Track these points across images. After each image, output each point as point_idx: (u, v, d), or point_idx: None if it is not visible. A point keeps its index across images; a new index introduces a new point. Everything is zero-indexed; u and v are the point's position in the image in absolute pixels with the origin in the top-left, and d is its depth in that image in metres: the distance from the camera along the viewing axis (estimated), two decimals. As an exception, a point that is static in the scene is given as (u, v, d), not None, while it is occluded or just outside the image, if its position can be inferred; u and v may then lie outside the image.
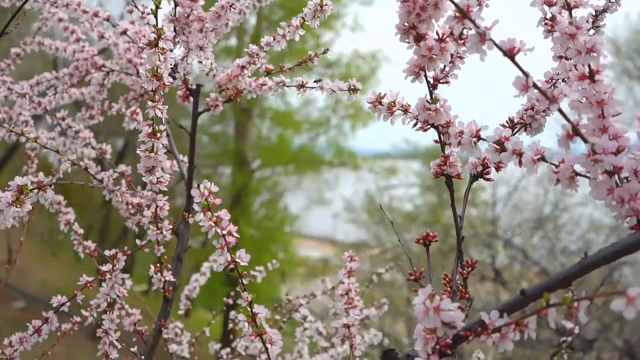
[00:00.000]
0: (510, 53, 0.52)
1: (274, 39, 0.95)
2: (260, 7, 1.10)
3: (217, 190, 0.63)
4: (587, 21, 0.74)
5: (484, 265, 7.07)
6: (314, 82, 0.97)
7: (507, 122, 0.71)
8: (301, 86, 0.98)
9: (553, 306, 0.48)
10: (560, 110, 0.53)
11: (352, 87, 0.88)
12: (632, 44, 9.42)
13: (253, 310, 0.67)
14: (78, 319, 1.16)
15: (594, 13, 0.73)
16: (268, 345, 0.67)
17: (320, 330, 1.43)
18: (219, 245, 0.65)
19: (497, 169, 0.69)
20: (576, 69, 0.57)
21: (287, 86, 1.00)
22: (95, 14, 1.12)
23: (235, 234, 0.65)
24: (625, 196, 0.52)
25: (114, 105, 1.24)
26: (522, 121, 0.70)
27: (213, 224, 0.64)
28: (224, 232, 0.64)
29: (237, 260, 0.65)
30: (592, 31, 0.73)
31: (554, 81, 0.71)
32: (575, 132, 0.53)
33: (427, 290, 0.53)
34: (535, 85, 0.52)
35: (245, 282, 0.68)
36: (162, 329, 1.01)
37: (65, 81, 1.22)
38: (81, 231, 1.13)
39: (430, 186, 10.77)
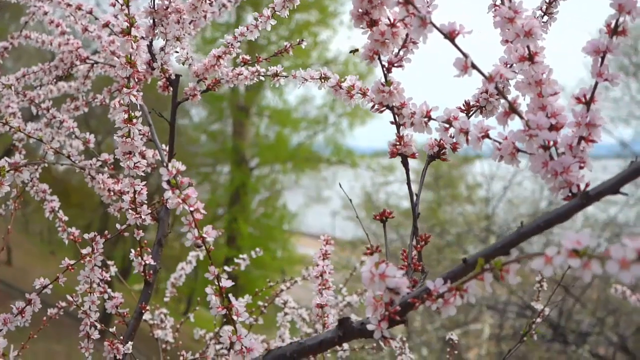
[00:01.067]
0: (450, 36, 0.56)
1: (247, 29, 0.98)
2: (256, 5, 1.13)
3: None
4: (540, 8, 0.77)
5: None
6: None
7: (463, 105, 0.74)
8: (275, 75, 1.02)
9: (488, 270, 0.52)
10: (497, 89, 0.56)
11: (323, 75, 0.91)
12: (628, 40, 9.45)
13: (220, 284, 0.71)
14: (63, 303, 1.19)
15: (547, 0, 0.77)
16: (234, 317, 0.70)
17: (304, 317, 1.47)
18: (187, 221, 0.68)
19: (454, 149, 0.73)
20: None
21: (263, 75, 1.03)
22: (79, 7, 1.15)
23: (203, 211, 0.68)
24: (558, 169, 0.55)
25: (97, 96, 1.27)
26: (477, 104, 0.74)
27: (181, 201, 0.67)
28: (192, 209, 0.67)
29: (205, 235, 0.68)
30: (545, 17, 0.77)
31: (508, 65, 0.74)
32: (512, 109, 0.57)
33: (374, 259, 0.56)
34: (473, 66, 0.56)
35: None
36: (143, 311, 1.05)
37: (50, 73, 1.25)
38: (66, 218, 1.16)
39: (428, 183, 10.83)
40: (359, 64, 10.66)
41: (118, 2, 1.04)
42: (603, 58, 0.57)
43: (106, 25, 1.09)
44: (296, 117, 11.70)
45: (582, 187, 0.55)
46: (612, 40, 0.57)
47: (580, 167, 0.56)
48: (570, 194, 0.55)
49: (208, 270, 0.68)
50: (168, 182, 0.66)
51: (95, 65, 1.28)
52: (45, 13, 1.26)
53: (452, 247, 7.59)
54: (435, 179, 10.70)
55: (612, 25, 0.57)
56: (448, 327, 5.84)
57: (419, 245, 0.69)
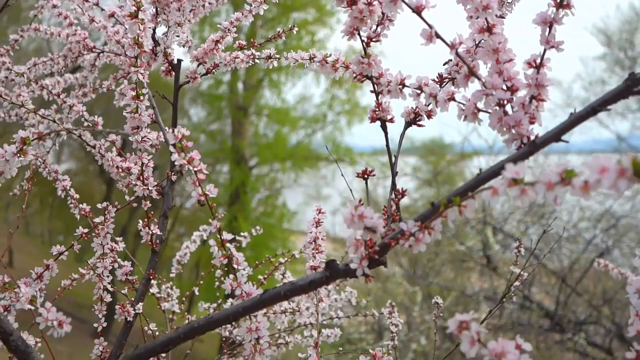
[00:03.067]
0: (418, 10, 0.65)
1: (242, 14, 1.07)
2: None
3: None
4: (505, -10, 0.86)
5: (477, 254, 7.23)
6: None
7: (437, 76, 0.83)
8: (269, 57, 1.11)
9: (450, 207, 0.61)
10: (458, 55, 0.65)
11: (312, 56, 1.00)
12: (624, 34, 9.55)
13: (222, 237, 0.80)
14: (76, 275, 1.28)
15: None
16: (235, 266, 0.79)
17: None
18: (192, 181, 0.77)
19: (429, 116, 0.82)
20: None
21: (257, 58, 1.12)
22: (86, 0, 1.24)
23: (205, 171, 0.77)
24: (511, 123, 0.64)
25: (104, 83, 1.36)
26: (449, 76, 0.83)
27: (186, 162, 0.76)
28: (196, 169, 0.76)
29: (208, 192, 0.77)
30: (509, -1, 0.85)
31: (477, 41, 0.83)
32: (471, 72, 0.66)
33: (354, 202, 0.65)
34: (437, 35, 0.64)
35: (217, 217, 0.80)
36: (151, 278, 1.13)
37: (58, 62, 1.34)
38: (77, 196, 1.25)
39: (427, 180, 10.93)
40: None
41: (123, -7, 1.12)
42: (550, 28, 0.66)
43: (112, 15, 1.18)
44: (295, 116, 11.80)
45: (532, 138, 0.64)
46: (558, 12, 0.66)
47: (531, 122, 0.65)
48: (521, 144, 0.64)
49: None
50: (174, 145, 0.75)
51: (101, 54, 1.36)
52: (55, 6, 1.35)
53: (450, 240, 7.69)
54: (434, 176, 10.80)
55: (558, 0, 0.66)
56: (446, 317, 5.93)
57: (396, 199, 0.78)
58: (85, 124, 1.26)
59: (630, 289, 0.62)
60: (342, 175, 1.18)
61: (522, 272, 1.25)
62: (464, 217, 0.60)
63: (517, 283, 1.24)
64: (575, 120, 0.60)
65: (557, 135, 0.61)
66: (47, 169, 1.30)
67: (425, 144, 11.41)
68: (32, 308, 0.77)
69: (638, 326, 0.61)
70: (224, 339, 1.47)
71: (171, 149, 0.75)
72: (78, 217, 1.23)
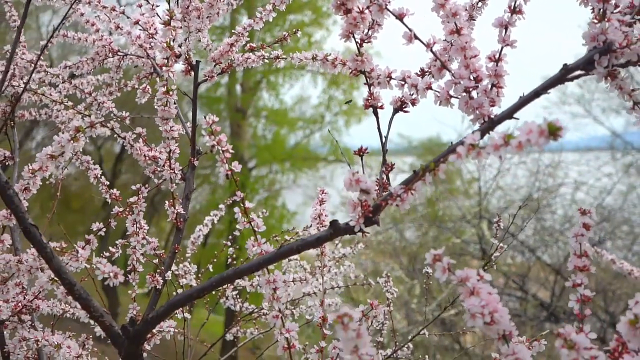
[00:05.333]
0: (400, 17, 0.81)
1: (254, 21, 1.24)
2: (249, 8, 1.39)
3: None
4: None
5: (473, 248, 7.41)
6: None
7: (419, 70, 1.00)
8: (277, 57, 1.28)
9: (428, 171, 0.77)
10: (432, 52, 0.82)
11: (314, 56, 1.17)
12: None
13: (245, 205, 0.97)
14: (107, 254, 1.44)
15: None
16: (255, 229, 0.96)
17: (305, 267, 1.73)
18: (220, 158, 0.94)
19: (413, 104, 0.98)
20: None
21: (267, 59, 1.29)
22: (113, 9, 1.41)
23: (231, 151, 0.94)
24: (475, 106, 0.81)
25: (128, 83, 1.53)
26: (429, 69, 0.99)
27: (216, 143, 0.93)
28: (224, 149, 0.93)
29: (233, 168, 0.94)
30: (480, 3, 1.02)
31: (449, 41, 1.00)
32: (443, 66, 0.82)
33: (352, 170, 0.82)
34: (416, 37, 0.81)
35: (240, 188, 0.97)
36: (176, 251, 1.30)
37: (84, 65, 1.51)
38: (107, 182, 1.41)
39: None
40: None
41: (148, 2, 1.30)
42: (506, 29, 0.82)
43: (136, 22, 1.35)
44: (293, 117, 11.97)
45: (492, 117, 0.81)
46: (512, 17, 0.82)
47: (492, 105, 0.82)
48: (483, 122, 0.81)
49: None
50: (205, 129, 0.92)
51: (125, 57, 1.53)
52: (82, 14, 1.52)
53: (448, 235, 7.86)
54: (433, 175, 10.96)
55: (512, 6, 0.82)
56: (444, 307, 6.10)
57: (387, 171, 0.94)
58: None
59: (570, 233, 0.78)
60: (346, 163, 1.34)
61: (500, 245, 1.41)
62: (439, 179, 0.77)
63: (497, 254, 1.40)
64: (523, 101, 0.77)
65: (509, 114, 0.78)
66: (79, 160, 1.47)
67: (423, 143, 11.59)
68: (88, 267, 0.94)
69: (575, 262, 0.77)
70: (237, 312, 1.63)
71: (203, 132, 0.92)
72: (109, 201, 1.39)
